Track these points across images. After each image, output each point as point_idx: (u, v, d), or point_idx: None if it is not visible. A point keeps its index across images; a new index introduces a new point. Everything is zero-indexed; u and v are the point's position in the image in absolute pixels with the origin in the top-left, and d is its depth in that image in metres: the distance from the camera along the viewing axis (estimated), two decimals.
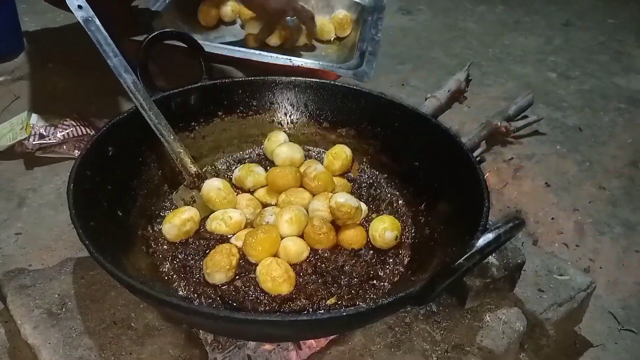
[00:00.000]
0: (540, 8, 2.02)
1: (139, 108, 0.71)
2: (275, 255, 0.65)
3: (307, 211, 0.70)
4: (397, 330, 0.66)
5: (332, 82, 0.85)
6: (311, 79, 0.85)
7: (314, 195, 0.72)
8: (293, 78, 0.85)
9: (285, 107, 0.86)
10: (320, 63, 1.05)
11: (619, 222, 1.07)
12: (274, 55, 1.05)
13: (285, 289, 0.61)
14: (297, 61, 1.04)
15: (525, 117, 1.28)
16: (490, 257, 0.70)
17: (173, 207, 0.73)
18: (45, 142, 1.05)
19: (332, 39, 1.21)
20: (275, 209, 0.71)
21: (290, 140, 0.83)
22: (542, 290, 0.75)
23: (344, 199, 0.66)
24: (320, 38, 1.20)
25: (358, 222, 0.69)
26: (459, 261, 0.48)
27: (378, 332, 0.66)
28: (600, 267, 0.97)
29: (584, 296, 0.77)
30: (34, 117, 1.10)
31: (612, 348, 0.84)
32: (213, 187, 0.71)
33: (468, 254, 0.48)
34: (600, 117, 1.40)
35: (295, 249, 0.65)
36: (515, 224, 0.49)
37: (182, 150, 0.73)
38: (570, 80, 1.56)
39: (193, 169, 0.73)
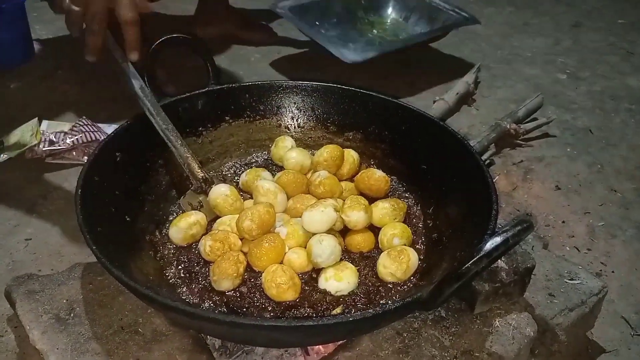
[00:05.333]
0: (548, 9, 2.01)
1: (146, 113, 0.72)
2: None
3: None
4: (406, 335, 0.65)
5: (339, 86, 0.84)
6: (318, 83, 0.85)
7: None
8: (299, 82, 0.85)
9: (292, 111, 0.86)
10: None
11: (631, 224, 1.05)
12: None
13: (290, 295, 0.61)
14: None
15: (535, 119, 1.27)
16: (499, 261, 0.69)
17: (181, 212, 0.73)
18: (54, 148, 1.06)
19: None
20: (284, 216, 0.71)
21: (297, 145, 0.83)
22: (552, 294, 0.74)
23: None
24: None
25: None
26: (466, 265, 0.47)
27: (386, 338, 0.65)
28: (613, 271, 0.95)
29: (596, 301, 0.75)
30: (44, 124, 1.11)
31: (626, 354, 0.82)
32: (220, 193, 0.71)
33: (475, 258, 0.47)
34: (611, 118, 1.38)
35: (300, 262, 0.64)
36: (524, 227, 0.48)
37: (189, 155, 0.73)
38: (580, 82, 1.54)
39: (200, 173, 0.73)
